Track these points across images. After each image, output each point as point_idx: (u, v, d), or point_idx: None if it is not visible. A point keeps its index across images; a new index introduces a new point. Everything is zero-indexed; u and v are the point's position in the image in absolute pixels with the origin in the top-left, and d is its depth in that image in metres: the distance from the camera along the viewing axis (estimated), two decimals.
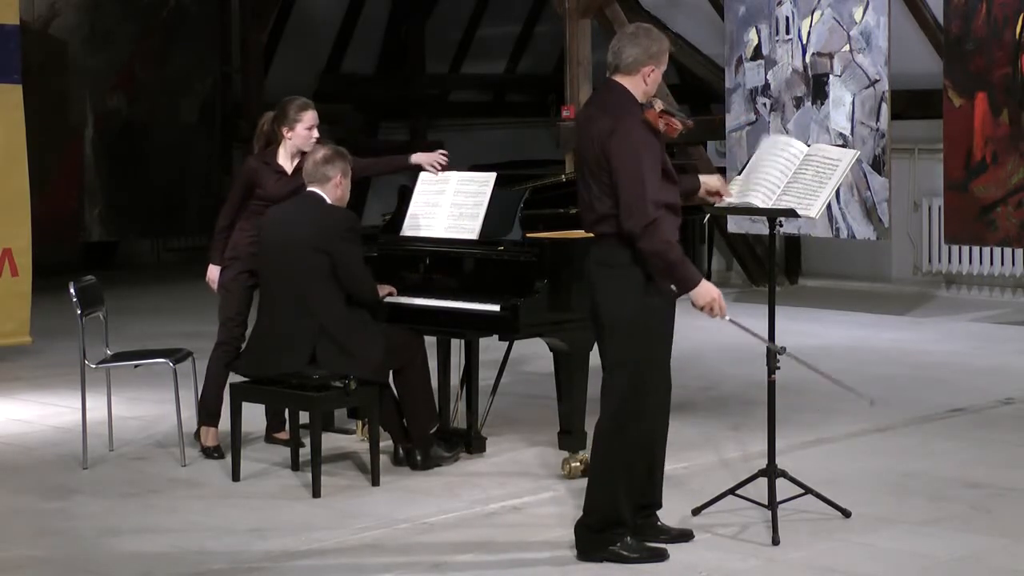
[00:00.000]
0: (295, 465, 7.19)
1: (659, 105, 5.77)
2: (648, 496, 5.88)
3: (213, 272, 7.57)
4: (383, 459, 7.01)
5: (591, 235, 5.74)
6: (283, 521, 6.35)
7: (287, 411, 7.47)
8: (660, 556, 5.70)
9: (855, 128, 11.30)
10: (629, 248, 5.56)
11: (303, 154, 7.41)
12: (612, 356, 5.69)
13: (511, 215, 7.14)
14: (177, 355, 7.47)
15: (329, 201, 6.96)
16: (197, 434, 7.54)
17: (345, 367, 6.75)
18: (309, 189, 7.01)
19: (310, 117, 7.50)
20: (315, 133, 7.52)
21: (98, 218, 14.76)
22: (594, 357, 6.12)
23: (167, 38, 15.21)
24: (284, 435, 7.64)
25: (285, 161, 7.52)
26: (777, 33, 11.85)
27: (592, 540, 5.72)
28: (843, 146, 10.21)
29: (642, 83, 5.69)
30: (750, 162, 6.23)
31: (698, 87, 15.40)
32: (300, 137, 7.48)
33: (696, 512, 6.22)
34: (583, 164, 5.71)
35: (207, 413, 7.50)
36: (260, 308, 7.13)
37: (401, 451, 7.18)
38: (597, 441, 5.75)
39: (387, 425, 7.08)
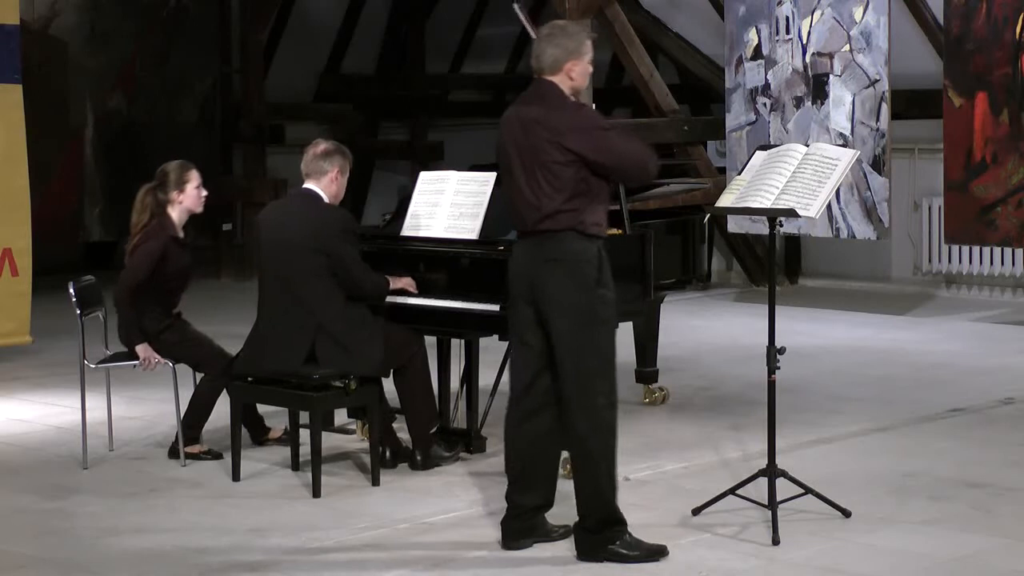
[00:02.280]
0: (295, 465, 7.19)
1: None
2: (544, 495, 5.90)
3: (146, 351, 7.25)
4: None
5: (532, 232, 5.73)
6: (283, 521, 6.35)
7: (288, 411, 7.45)
8: (660, 555, 5.71)
9: (855, 128, 11.30)
10: (581, 242, 5.65)
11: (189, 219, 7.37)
12: (567, 351, 5.69)
13: None
14: None
15: (325, 199, 6.93)
16: (175, 452, 7.36)
17: (345, 365, 6.74)
18: (305, 186, 6.98)
19: (195, 175, 7.37)
20: (203, 191, 7.40)
21: (98, 218, 14.72)
22: None
23: (167, 38, 15.17)
24: (276, 433, 7.60)
25: (178, 231, 7.38)
26: (777, 33, 11.84)
27: (591, 540, 5.73)
28: (843, 146, 10.20)
29: (567, 79, 5.83)
30: (751, 163, 6.22)
31: (698, 87, 15.39)
32: (191, 198, 7.35)
33: (696, 512, 6.22)
34: (527, 163, 5.73)
35: (193, 436, 7.36)
36: (259, 307, 7.11)
37: (388, 453, 7.13)
38: (573, 446, 5.77)
39: None
